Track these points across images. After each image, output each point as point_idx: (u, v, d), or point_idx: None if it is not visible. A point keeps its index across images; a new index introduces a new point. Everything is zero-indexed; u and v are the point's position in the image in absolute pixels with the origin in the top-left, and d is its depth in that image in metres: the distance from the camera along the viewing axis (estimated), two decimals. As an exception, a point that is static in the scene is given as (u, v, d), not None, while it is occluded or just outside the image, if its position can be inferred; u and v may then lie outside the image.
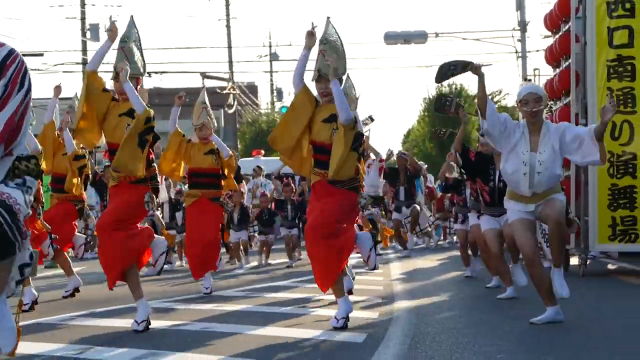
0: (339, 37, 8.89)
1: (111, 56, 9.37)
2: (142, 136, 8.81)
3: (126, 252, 8.80)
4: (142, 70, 9.25)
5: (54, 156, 12.40)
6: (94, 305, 10.69)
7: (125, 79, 8.76)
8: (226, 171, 12.59)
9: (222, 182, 12.62)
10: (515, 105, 8.70)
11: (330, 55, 8.59)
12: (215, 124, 12.60)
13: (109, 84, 9.16)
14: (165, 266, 17.07)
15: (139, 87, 9.05)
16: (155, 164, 9.26)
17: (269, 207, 19.01)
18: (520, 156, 8.34)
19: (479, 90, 8.38)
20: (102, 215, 9.29)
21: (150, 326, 8.59)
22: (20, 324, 9.19)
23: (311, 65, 8.82)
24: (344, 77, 9.13)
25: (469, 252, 14.05)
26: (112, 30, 8.94)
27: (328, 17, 8.92)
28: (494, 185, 11.00)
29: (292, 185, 18.19)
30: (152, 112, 8.84)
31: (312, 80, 8.76)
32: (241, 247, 17.83)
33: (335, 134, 8.57)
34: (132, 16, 9.42)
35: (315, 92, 8.85)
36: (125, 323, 8.98)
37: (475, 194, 11.63)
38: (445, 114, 12.97)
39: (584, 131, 8.42)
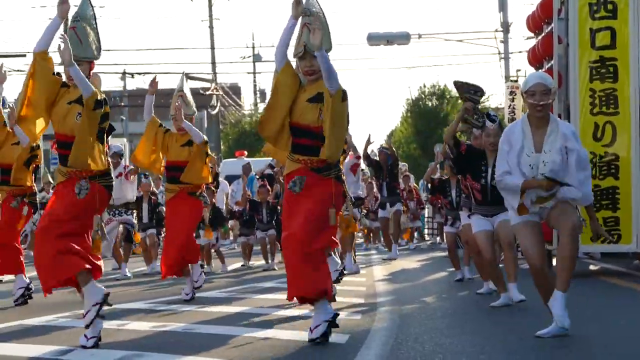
0: (320, 8, 7.98)
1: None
2: (99, 126, 7.96)
3: (64, 266, 7.80)
4: (95, 53, 8.16)
5: (2, 146, 11.47)
6: (77, 307, 10.63)
7: (69, 61, 7.71)
8: (197, 161, 11.65)
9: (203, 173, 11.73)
10: (526, 100, 7.46)
11: (315, 28, 7.54)
12: (195, 110, 11.92)
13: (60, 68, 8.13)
14: (145, 268, 16.92)
15: (91, 72, 8.14)
16: (108, 158, 8.34)
17: (246, 207, 18.30)
18: (525, 159, 7.41)
19: None
20: (45, 217, 8.00)
21: (100, 342, 7.79)
22: (3, 325, 9.22)
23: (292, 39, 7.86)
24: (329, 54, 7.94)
25: (462, 253, 13.59)
26: (62, 4, 7.79)
27: None
28: (486, 183, 10.23)
29: (268, 187, 17.67)
30: (101, 95, 7.95)
31: (295, 57, 7.89)
32: (207, 250, 17.14)
33: (325, 110, 7.72)
34: None
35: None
36: (108, 325, 8.95)
37: (467, 190, 10.90)
38: (460, 92, 11.55)
39: (579, 174, 7.44)
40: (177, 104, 11.71)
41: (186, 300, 11.43)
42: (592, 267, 15.27)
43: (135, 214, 17.16)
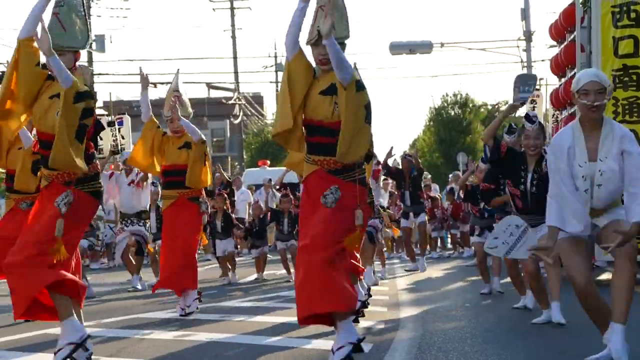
0: None
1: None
2: (80, 121, 7.06)
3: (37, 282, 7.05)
4: (82, 43, 7.32)
5: (9, 151, 10.41)
6: (100, 316, 10.67)
7: (48, 50, 6.88)
8: (197, 163, 10.87)
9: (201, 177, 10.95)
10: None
11: (328, 13, 6.79)
12: (191, 111, 11.13)
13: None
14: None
15: (76, 64, 7.36)
16: (97, 160, 7.42)
17: (262, 217, 17.64)
18: (577, 170, 6.61)
19: None
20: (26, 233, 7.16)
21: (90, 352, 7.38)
22: (26, 335, 9.26)
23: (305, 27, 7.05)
24: (346, 43, 7.28)
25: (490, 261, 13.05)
26: None
27: None
28: (525, 190, 9.39)
29: (291, 196, 17.22)
30: (84, 87, 7.10)
31: (308, 44, 7.09)
32: (228, 260, 16.85)
33: (339, 104, 6.91)
34: None
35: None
36: (130, 335, 8.97)
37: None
38: (519, 86, 10.95)
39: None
40: (171, 102, 10.97)
41: (181, 315, 10.78)
42: (606, 277, 15.14)
43: (147, 224, 16.33)
